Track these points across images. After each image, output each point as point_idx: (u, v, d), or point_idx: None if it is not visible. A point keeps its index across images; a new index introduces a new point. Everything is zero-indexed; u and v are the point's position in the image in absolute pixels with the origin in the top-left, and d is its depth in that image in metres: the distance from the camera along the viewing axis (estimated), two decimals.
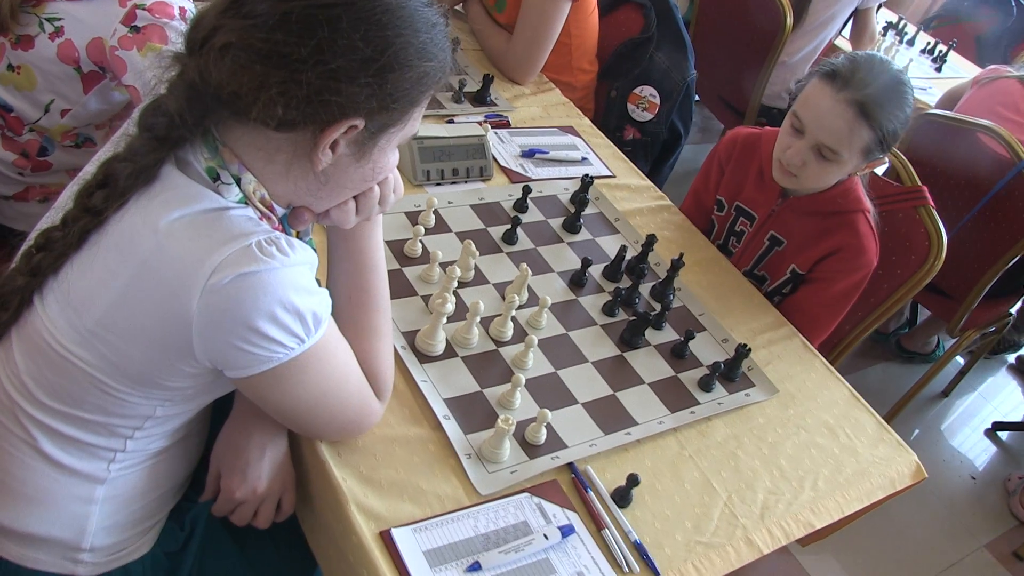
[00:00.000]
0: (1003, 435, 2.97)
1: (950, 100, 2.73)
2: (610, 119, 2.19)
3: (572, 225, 1.60)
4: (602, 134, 1.94)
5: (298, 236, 1.02)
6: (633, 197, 1.77)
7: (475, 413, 1.20)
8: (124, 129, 0.99)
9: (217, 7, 0.86)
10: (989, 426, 2.97)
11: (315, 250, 1.02)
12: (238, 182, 0.89)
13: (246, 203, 0.90)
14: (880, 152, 1.55)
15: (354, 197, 0.97)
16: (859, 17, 2.97)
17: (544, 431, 1.19)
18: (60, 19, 1.38)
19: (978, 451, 2.88)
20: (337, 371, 0.97)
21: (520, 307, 1.37)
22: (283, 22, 0.82)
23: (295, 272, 0.87)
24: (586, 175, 1.66)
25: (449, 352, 1.27)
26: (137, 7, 1.36)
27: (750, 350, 1.42)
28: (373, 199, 0.98)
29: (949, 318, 2.53)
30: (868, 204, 1.65)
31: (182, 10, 1.40)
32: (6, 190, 1.52)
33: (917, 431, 2.85)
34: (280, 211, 0.95)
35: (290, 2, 0.82)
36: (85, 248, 0.90)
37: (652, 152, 2.21)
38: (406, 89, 0.87)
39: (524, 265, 1.39)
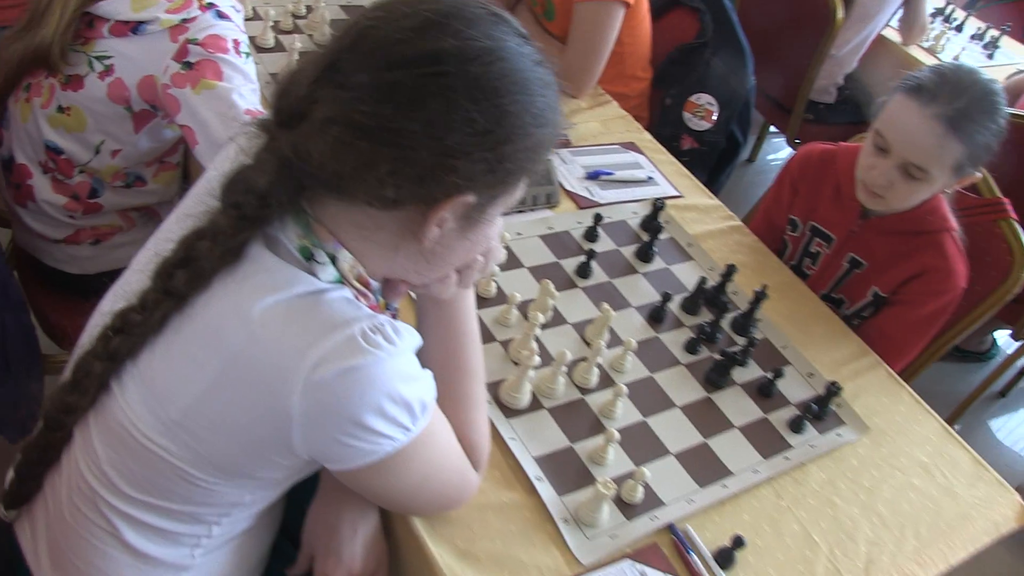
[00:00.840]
0: None
1: (1012, 95, 2.62)
2: (665, 128, 2.11)
3: (645, 254, 1.53)
4: (664, 149, 1.86)
5: (386, 305, 0.96)
6: (703, 218, 1.70)
7: (567, 472, 1.14)
8: (197, 195, 0.92)
9: (308, 76, 0.78)
10: None
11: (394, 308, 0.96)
12: (333, 260, 0.83)
13: (342, 282, 0.83)
14: (971, 167, 1.47)
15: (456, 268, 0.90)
16: (909, 6, 2.86)
17: (641, 489, 1.13)
18: (110, 57, 1.31)
19: None
20: (440, 453, 0.91)
21: None
22: (391, 94, 0.74)
23: (402, 360, 0.80)
24: (657, 199, 1.59)
25: (535, 404, 1.21)
26: (189, 42, 1.28)
27: (841, 388, 1.35)
28: (476, 270, 0.91)
29: (1014, 321, 2.45)
30: (954, 223, 1.57)
31: (236, 43, 1.33)
32: (57, 234, 1.46)
33: (976, 435, 2.77)
34: (375, 285, 0.89)
35: (395, 71, 0.75)
36: (166, 333, 0.83)
37: (710, 162, 2.13)
38: (521, 159, 0.80)
39: (606, 307, 1.32)
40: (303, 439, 0.80)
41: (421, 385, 0.83)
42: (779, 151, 3.96)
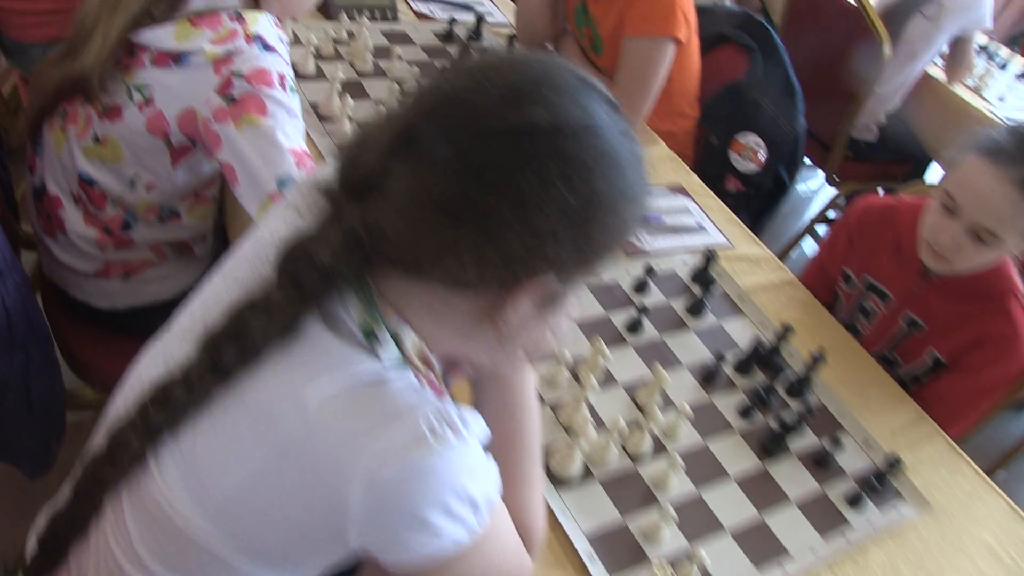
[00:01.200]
0: None
1: None
2: (710, 167, 2.04)
3: (697, 308, 1.46)
4: (712, 193, 1.80)
5: (444, 378, 0.89)
6: (753, 270, 1.63)
7: (620, 550, 1.08)
8: (246, 257, 0.86)
9: (380, 144, 0.72)
10: None
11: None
12: (395, 338, 0.76)
13: (404, 362, 0.77)
14: None
15: None
16: (957, 46, 2.79)
17: (698, 573, 1.06)
18: (150, 88, 1.25)
19: None
20: (500, 547, 0.84)
21: None
22: (478, 170, 0.68)
23: (468, 453, 0.74)
24: (708, 250, 1.52)
25: (586, 473, 1.15)
26: (233, 75, 1.22)
27: (902, 462, 1.28)
28: (545, 347, 0.85)
29: None
30: (1020, 285, 1.50)
31: (281, 77, 1.26)
32: (86, 267, 1.40)
33: (1020, 491, 2.66)
34: (437, 364, 0.82)
35: (483, 145, 0.68)
36: (211, 410, 0.76)
37: (756, 205, 2.06)
38: (607, 239, 0.74)
39: (660, 370, 1.25)
40: (360, 534, 0.73)
41: (487, 479, 0.77)
42: (807, 180, 3.89)
